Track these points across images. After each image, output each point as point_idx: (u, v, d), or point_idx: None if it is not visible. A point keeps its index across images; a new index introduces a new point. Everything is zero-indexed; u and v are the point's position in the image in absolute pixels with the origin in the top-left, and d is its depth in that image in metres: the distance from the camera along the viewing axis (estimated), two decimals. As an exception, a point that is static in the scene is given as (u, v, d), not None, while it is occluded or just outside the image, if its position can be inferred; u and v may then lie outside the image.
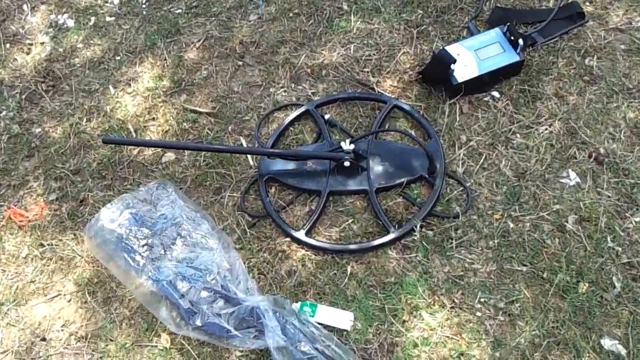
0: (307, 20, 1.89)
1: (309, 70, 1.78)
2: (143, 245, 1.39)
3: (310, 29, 1.86)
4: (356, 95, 1.68)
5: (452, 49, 1.61)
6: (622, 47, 1.64)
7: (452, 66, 1.56)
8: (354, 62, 1.76)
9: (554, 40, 1.68)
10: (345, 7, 1.89)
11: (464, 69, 1.59)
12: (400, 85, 1.69)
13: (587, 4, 1.73)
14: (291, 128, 1.67)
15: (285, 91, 1.75)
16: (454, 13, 1.80)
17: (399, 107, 1.63)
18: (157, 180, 1.56)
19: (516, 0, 1.79)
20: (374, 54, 1.77)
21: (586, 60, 1.63)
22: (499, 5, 1.78)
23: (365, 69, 1.74)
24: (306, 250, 1.45)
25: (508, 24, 1.61)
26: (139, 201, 1.46)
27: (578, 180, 1.45)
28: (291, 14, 1.91)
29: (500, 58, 1.59)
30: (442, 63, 1.57)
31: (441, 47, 1.61)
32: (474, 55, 1.60)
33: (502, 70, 1.60)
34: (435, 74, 1.63)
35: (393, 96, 1.67)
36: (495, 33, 1.64)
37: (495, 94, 1.62)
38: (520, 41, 1.57)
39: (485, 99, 1.62)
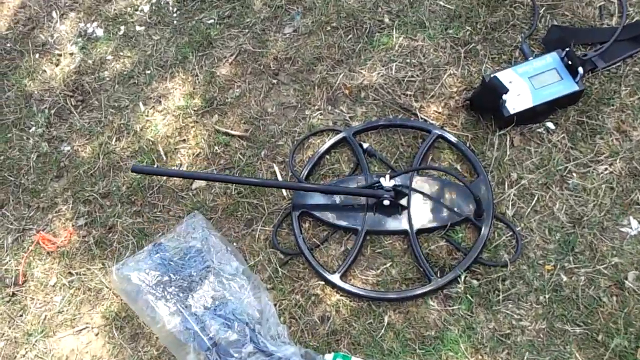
0: (345, 35, 1.77)
1: (346, 91, 1.68)
2: (171, 292, 1.33)
3: (348, 45, 1.75)
4: (397, 123, 1.57)
5: (504, 76, 1.49)
6: (695, 75, 1.48)
7: (504, 96, 1.44)
8: (395, 84, 1.65)
9: (617, 65, 1.53)
10: (387, 20, 1.77)
11: (517, 99, 1.46)
12: (445, 112, 1.58)
13: (656, 23, 1.57)
14: (327, 156, 1.58)
15: (321, 114, 1.66)
16: (505, 30, 1.66)
17: (443, 138, 1.52)
18: (187, 216, 1.50)
19: (574, 17, 1.63)
20: (417, 75, 1.65)
21: (653, 90, 1.49)
22: (555, 23, 1.63)
23: (408, 92, 1.63)
24: (341, 295, 1.37)
25: (567, 49, 1.47)
26: (169, 242, 1.39)
27: (640, 229, 1.32)
28: (329, 28, 1.80)
29: (557, 87, 1.46)
30: (493, 92, 1.45)
31: (492, 74, 1.48)
32: (528, 84, 1.47)
33: (559, 101, 1.47)
34: (485, 103, 1.51)
35: (438, 123, 1.56)
36: (552, 58, 1.50)
37: (550, 125, 1.49)
38: (580, 69, 1.43)
39: (539, 130, 1.49)
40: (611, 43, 1.53)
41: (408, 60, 1.68)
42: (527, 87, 1.47)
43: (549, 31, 1.61)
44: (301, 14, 1.83)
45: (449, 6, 1.73)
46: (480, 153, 1.49)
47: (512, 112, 1.45)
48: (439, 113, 1.58)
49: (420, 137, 1.55)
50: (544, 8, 1.66)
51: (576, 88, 1.45)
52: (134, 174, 1.62)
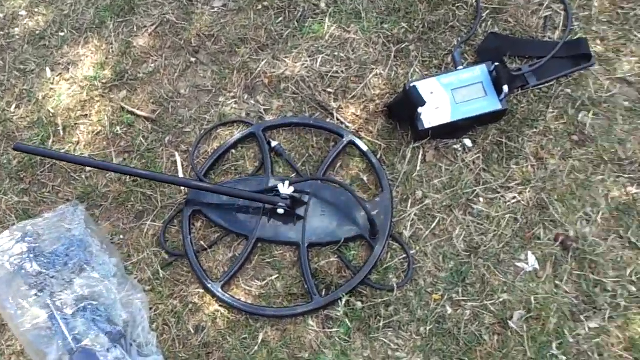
0: (276, 16, 1.64)
1: (266, 80, 1.56)
2: (36, 285, 1.25)
3: (277, 28, 1.62)
4: (310, 123, 1.47)
5: (426, 86, 1.38)
6: (626, 103, 1.39)
7: (421, 109, 1.34)
8: (318, 78, 1.54)
9: (550, 83, 1.43)
10: (323, 5, 1.63)
11: (435, 113, 1.36)
12: (364, 115, 1.48)
13: (598, 42, 1.46)
14: (233, 151, 1.48)
15: (236, 102, 1.55)
16: (443, 31, 1.54)
17: (355, 145, 1.42)
18: (65, 205, 1.40)
19: (517, 25, 1.51)
20: (342, 72, 1.53)
21: (580, 115, 1.39)
22: (496, 30, 1.51)
23: (330, 89, 1.52)
24: (220, 305, 1.30)
25: (496, 64, 1.36)
26: (39, 231, 1.30)
27: (536, 266, 1.26)
28: (260, 7, 1.67)
29: (480, 104, 1.36)
30: (410, 103, 1.35)
31: (412, 83, 1.37)
32: (450, 97, 1.37)
33: (480, 118, 1.37)
34: (402, 112, 1.41)
35: (353, 127, 1.46)
36: (480, 71, 1.39)
37: (468, 142, 1.40)
38: (505, 88, 1.33)
39: (455, 146, 1.40)
40: (547, 60, 1.42)
41: (336, 54, 1.56)
42: (447, 100, 1.37)
43: (486, 39, 1.49)
44: None
45: (388, -3, 1.60)
46: (391, 165, 1.40)
47: (427, 126, 1.36)
48: (357, 116, 1.48)
49: (333, 140, 1.46)
50: (487, 11, 1.54)
51: (499, 107, 1.36)
52: (27, 148, 1.51)
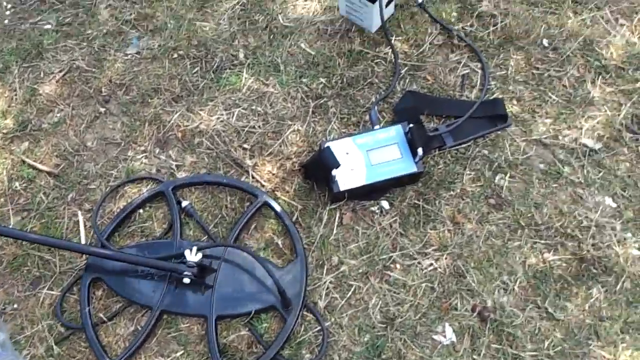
0: (192, 66, 1.57)
1: (179, 134, 1.49)
2: None
3: (193, 79, 1.55)
4: (224, 182, 1.40)
5: (341, 146, 1.34)
6: (542, 166, 1.39)
7: (335, 171, 1.30)
8: (234, 133, 1.47)
9: (467, 144, 1.42)
10: (241, 56, 1.58)
11: (350, 174, 1.32)
12: (280, 174, 1.42)
13: (514, 102, 1.46)
14: (140, 211, 1.39)
15: (146, 157, 1.46)
16: (362, 88, 1.51)
17: (270, 206, 1.36)
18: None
19: (435, 82, 1.50)
20: (259, 127, 1.48)
21: (497, 178, 1.38)
22: (414, 88, 1.49)
23: (246, 145, 1.46)
24: (118, 386, 1.20)
25: (410, 125, 1.33)
26: None
27: (454, 339, 1.22)
28: (176, 55, 1.59)
29: (395, 166, 1.33)
30: (323, 164, 1.30)
31: (327, 143, 1.33)
32: (365, 158, 1.34)
33: (395, 181, 1.34)
34: (318, 173, 1.36)
35: (269, 186, 1.40)
36: (395, 131, 1.36)
37: (385, 204, 1.36)
38: (420, 150, 1.30)
39: (373, 208, 1.36)
40: (464, 120, 1.41)
41: (253, 107, 1.51)
42: (363, 161, 1.33)
43: (403, 97, 1.47)
44: (141, 38, 1.61)
45: (309, 50, 1.56)
46: (307, 228, 1.35)
47: (342, 188, 1.31)
48: (273, 174, 1.42)
49: (248, 200, 1.39)
50: (406, 68, 1.52)
51: (414, 170, 1.33)
52: None
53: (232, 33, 1.61)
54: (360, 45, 1.55)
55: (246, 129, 1.48)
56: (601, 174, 1.35)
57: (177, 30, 1.63)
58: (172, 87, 1.55)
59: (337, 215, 1.36)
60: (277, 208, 1.35)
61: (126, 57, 1.61)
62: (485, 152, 1.41)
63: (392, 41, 1.54)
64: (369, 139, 1.36)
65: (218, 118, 1.50)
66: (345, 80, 1.51)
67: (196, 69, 1.57)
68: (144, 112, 1.52)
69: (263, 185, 1.40)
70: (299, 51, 1.57)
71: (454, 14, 1.57)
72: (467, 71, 1.51)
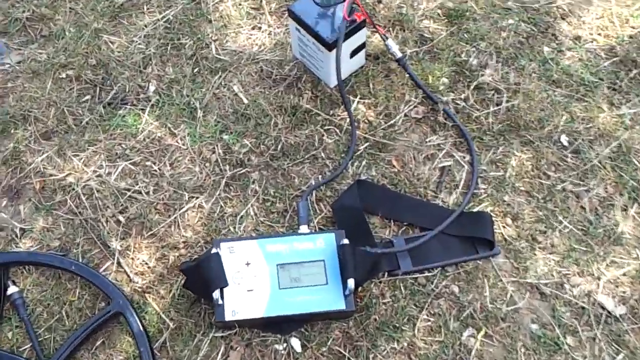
0: (81, 93, 1.16)
1: (38, 184, 1.06)
2: None
3: (77, 110, 1.14)
4: (71, 269, 0.97)
5: (240, 251, 0.91)
6: (534, 327, 0.94)
7: (218, 292, 0.86)
8: (110, 197, 1.05)
9: (431, 273, 0.98)
10: (151, 90, 1.16)
11: (245, 298, 0.88)
12: (158, 268, 0.99)
13: (508, 221, 1.02)
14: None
15: (-15, 212, 1.04)
16: (301, 161, 1.09)
17: (127, 319, 0.92)
18: None
19: (402, 172, 1.07)
20: (147, 193, 1.05)
21: (465, 334, 0.94)
22: (366, 178, 1.06)
23: (122, 216, 1.03)
24: None
25: (345, 242, 0.90)
26: None
27: None
28: (64, 75, 1.18)
29: (314, 296, 0.89)
30: (203, 279, 0.86)
31: (220, 242, 0.90)
32: (272, 277, 0.90)
33: (312, 316, 0.90)
34: (197, 286, 0.92)
35: (141, 283, 0.97)
36: (325, 242, 0.93)
37: (296, 343, 0.93)
38: (350, 282, 0.86)
39: (278, 346, 0.92)
40: (432, 236, 0.97)
41: (147, 164, 1.08)
42: (268, 281, 0.90)
43: (349, 190, 1.03)
44: (9, 50, 1.20)
45: (242, 97, 1.14)
46: (177, 359, 0.91)
47: (228, 318, 0.88)
48: (149, 267, 0.99)
49: (103, 299, 0.96)
50: (366, 144, 1.09)
51: (341, 307, 0.89)
52: None
53: (147, 57, 1.19)
54: (311, 102, 1.12)
55: (129, 192, 1.05)
56: (620, 357, 0.90)
57: (76, 41, 1.21)
58: (47, 117, 1.13)
59: (222, 348, 0.92)
60: (135, 325, 0.91)
61: (2, 67, 1.19)
62: (456, 289, 0.97)
63: (353, 104, 1.11)
64: (285, 247, 0.92)
65: (95, 171, 1.07)
66: (280, 146, 1.09)
67: (86, 98, 1.15)
68: (2, 145, 1.10)
69: (131, 281, 0.97)
70: (229, 95, 1.15)
71: (445, 79, 1.14)
72: (449, 163, 1.08)
